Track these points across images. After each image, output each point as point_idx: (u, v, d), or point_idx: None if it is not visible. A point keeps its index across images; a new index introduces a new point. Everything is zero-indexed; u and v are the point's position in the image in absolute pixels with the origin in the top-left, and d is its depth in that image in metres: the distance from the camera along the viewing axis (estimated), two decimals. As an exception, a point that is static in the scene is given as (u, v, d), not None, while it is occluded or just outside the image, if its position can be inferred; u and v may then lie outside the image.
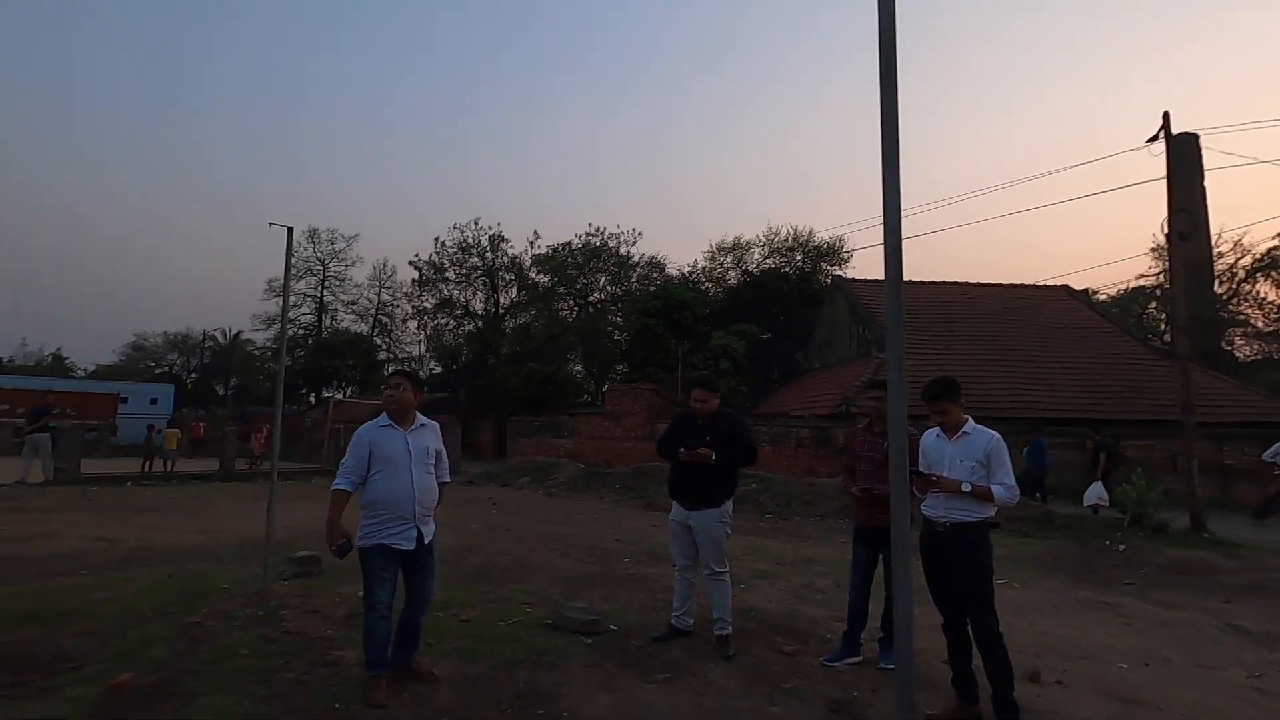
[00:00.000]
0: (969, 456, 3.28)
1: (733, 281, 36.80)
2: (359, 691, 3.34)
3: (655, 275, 38.94)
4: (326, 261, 44.32)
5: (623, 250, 39.03)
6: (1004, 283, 25.17)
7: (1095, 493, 11.10)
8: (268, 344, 46.92)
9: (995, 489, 3.23)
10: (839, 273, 31.99)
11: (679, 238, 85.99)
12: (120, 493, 13.74)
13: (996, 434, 3.33)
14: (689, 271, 38.28)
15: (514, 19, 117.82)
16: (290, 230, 5.45)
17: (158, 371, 53.61)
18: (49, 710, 3.08)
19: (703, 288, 36.45)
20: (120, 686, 3.28)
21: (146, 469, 18.25)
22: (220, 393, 53.67)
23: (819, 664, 3.97)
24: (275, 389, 5.62)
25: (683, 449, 4.12)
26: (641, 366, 30.19)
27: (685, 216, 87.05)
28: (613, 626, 4.55)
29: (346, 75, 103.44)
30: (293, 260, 5.84)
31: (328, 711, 3.18)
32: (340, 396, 36.79)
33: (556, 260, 38.57)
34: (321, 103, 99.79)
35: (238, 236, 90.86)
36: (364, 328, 45.71)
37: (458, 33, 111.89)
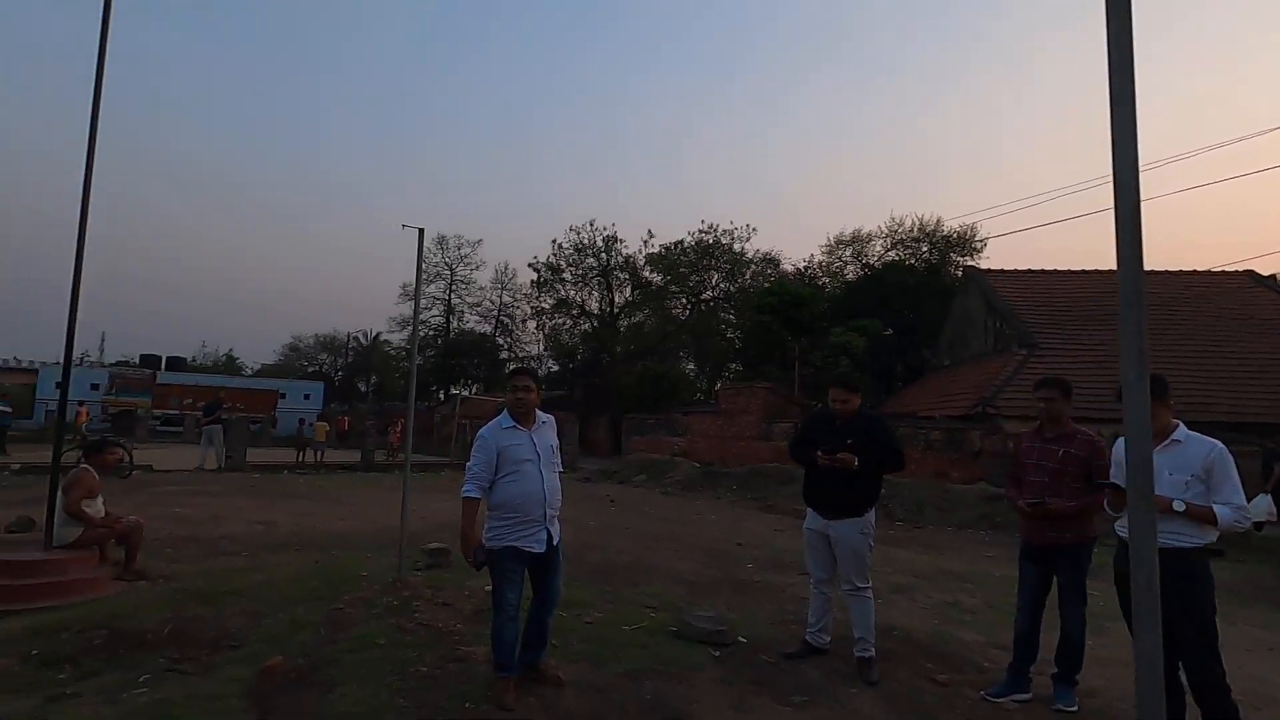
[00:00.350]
0: (1181, 469, 2.74)
1: (851, 276, 35.22)
2: (487, 691, 3.30)
3: (769, 271, 38.08)
4: (454, 266, 46.89)
5: (736, 247, 38.52)
6: (1176, 269, 22.24)
7: (1263, 507, 9.49)
8: (402, 345, 50.36)
9: (1220, 510, 2.67)
10: (971, 263, 29.71)
11: (793, 233, 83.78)
12: (278, 480, 15.10)
13: (1219, 443, 2.75)
14: (804, 267, 37.08)
15: (610, 18, 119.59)
16: (421, 232, 5.62)
17: (310, 370, 59.05)
18: (210, 688, 3.27)
19: (819, 283, 35.15)
20: (270, 670, 3.44)
21: (300, 459, 20.00)
22: (362, 389, 58.18)
23: (979, 698, 3.52)
24: (408, 387, 5.82)
25: (820, 452, 3.79)
26: (756, 365, 29.55)
27: (800, 211, 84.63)
28: (741, 638, 4.30)
29: (472, 86, 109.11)
30: (423, 266, 6.02)
31: (458, 710, 3.16)
32: (467, 394, 38.82)
33: (669, 259, 38.65)
34: (449, 115, 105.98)
35: (379, 244, 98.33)
36: (487, 328, 47.93)
37: (557, 37, 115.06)
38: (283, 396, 42.41)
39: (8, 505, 8.65)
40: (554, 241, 39.87)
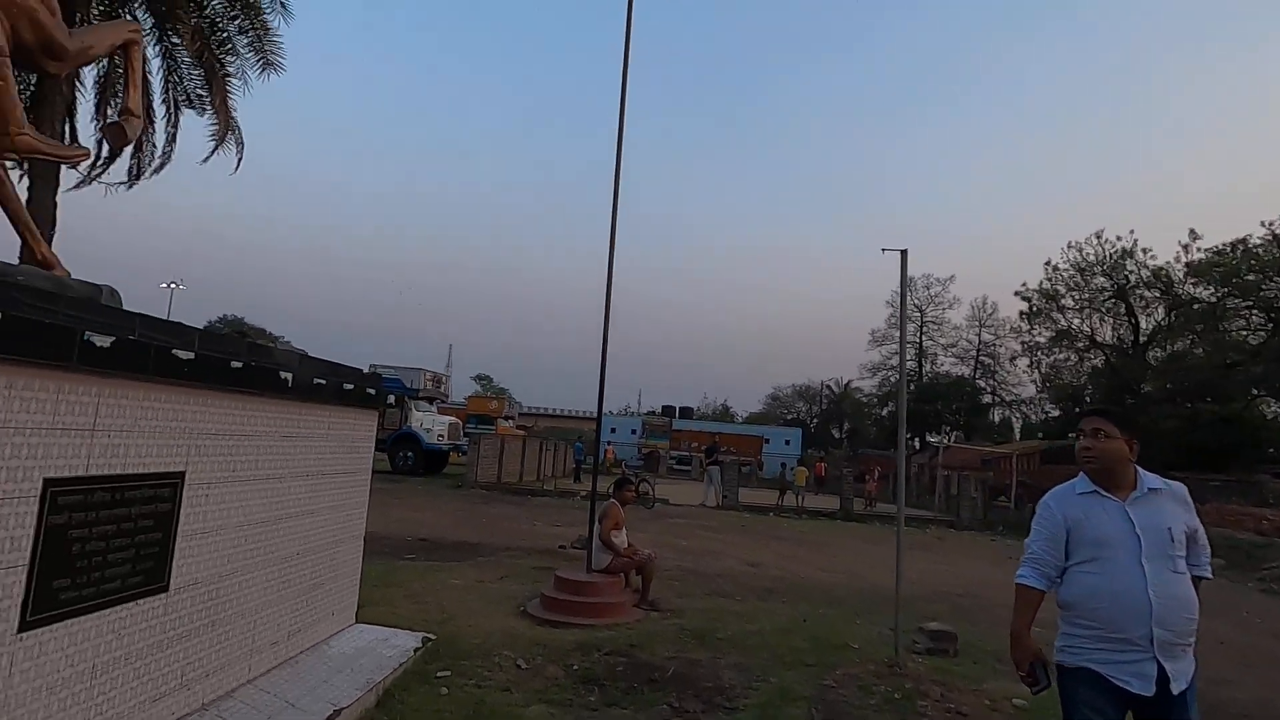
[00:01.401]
0: None
1: None
2: None
3: None
4: (924, 308, 44.54)
5: (1356, 230, 26.39)
6: None
7: None
8: (873, 391, 49.77)
9: None
10: None
11: None
12: (764, 521, 15.95)
13: None
14: None
15: None
16: (904, 253, 4.92)
17: (789, 417, 63.25)
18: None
19: None
20: (763, 754, 3.02)
21: (781, 501, 20.98)
22: (835, 436, 59.49)
23: None
24: (897, 428, 5.07)
25: None
26: None
27: None
28: None
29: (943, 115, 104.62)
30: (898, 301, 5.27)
31: None
32: (947, 442, 35.68)
33: (1225, 264, 28.79)
34: (916, 159, 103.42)
35: (848, 295, 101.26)
36: (964, 370, 43.77)
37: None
38: (766, 442, 46.19)
39: (574, 525, 10.94)
40: (1047, 263, 34.02)
